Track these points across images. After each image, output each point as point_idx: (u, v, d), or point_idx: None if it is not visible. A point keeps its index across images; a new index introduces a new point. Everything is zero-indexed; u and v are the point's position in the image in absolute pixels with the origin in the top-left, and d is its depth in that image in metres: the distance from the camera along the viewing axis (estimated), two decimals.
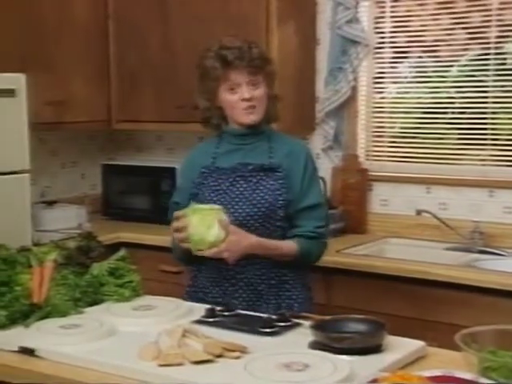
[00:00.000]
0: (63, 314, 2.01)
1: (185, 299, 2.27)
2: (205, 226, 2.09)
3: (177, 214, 2.16)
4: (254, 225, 2.25)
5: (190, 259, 2.27)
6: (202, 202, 2.28)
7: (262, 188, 2.27)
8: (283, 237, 2.29)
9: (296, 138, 2.47)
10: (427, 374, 1.59)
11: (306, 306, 2.32)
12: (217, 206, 2.16)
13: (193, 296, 2.31)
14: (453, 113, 3.46)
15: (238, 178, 2.29)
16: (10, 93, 2.98)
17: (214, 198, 2.28)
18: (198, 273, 2.36)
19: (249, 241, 2.19)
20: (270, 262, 2.27)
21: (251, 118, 2.29)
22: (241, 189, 2.28)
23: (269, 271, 2.29)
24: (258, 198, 2.26)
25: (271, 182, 2.27)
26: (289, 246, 2.27)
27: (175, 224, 2.15)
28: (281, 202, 2.27)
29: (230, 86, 2.26)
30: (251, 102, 2.26)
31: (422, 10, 3.48)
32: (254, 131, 2.33)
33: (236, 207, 2.26)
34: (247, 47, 2.27)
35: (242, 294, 2.27)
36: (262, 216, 2.25)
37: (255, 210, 2.25)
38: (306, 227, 2.29)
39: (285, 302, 2.30)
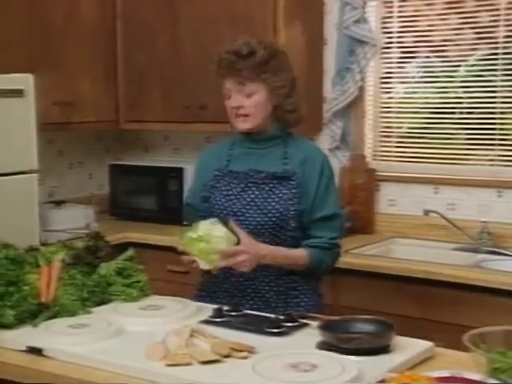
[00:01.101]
0: (71, 314, 2.01)
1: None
2: (207, 253, 2.06)
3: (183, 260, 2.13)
4: (265, 234, 2.21)
5: None
6: (212, 205, 2.28)
7: (274, 197, 2.22)
8: (295, 246, 2.25)
9: (311, 142, 2.39)
10: (435, 374, 1.59)
11: (315, 313, 2.30)
12: (204, 228, 2.07)
13: (201, 301, 2.27)
14: (461, 113, 3.45)
15: (250, 185, 2.25)
16: (18, 93, 2.98)
17: (225, 204, 2.25)
18: (210, 278, 2.32)
19: (262, 252, 2.15)
20: (278, 270, 2.24)
21: (243, 126, 2.25)
22: (252, 196, 2.24)
23: (278, 278, 2.25)
24: (269, 208, 2.21)
25: (284, 191, 2.22)
26: (299, 255, 2.23)
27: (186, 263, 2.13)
28: (292, 212, 2.21)
29: (226, 92, 2.25)
30: (240, 110, 2.22)
31: (430, 9, 3.47)
32: (265, 136, 2.28)
33: (247, 215, 2.22)
34: (247, 52, 2.19)
35: (250, 300, 2.24)
36: (273, 225, 2.21)
37: (266, 219, 2.21)
38: (320, 238, 2.24)
39: (293, 309, 2.22)
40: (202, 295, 2.34)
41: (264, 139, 2.29)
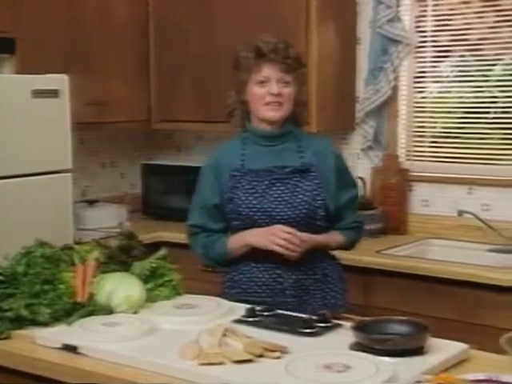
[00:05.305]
0: (105, 312, 2.03)
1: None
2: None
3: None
4: (297, 226, 2.26)
5: (226, 260, 2.34)
6: (238, 205, 2.30)
7: (299, 190, 2.29)
8: None
9: (323, 137, 2.52)
10: (471, 377, 1.57)
11: (345, 297, 2.39)
12: None
13: (237, 297, 2.28)
14: (496, 112, 3.41)
15: (274, 181, 2.30)
16: (53, 93, 3.02)
17: (253, 202, 2.28)
18: (240, 275, 2.34)
19: (315, 239, 2.29)
20: (311, 258, 2.30)
21: (275, 114, 2.29)
22: (278, 191, 2.29)
23: (312, 266, 2.32)
24: (298, 201, 2.28)
25: (307, 183, 2.30)
26: (336, 239, 2.38)
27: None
28: (319, 201, 2.30)
29: (260, 79, 2.27)
30: (278, 98, 2.27)
31: (466, 7, 3.43)
32: (279, 132, 2.33)
33: (277, 210, 2.27)
34: (284, 46, 2.29)
35: (292, 291, 2.28)
36: (304, 217, 2.28)
37: (297, 212, 2.27)
38: (350, 220, 2.40)
39: (329, 294, 2.34)
40: (236, 291, 2.34)
41: (277, 135, 2.34)
